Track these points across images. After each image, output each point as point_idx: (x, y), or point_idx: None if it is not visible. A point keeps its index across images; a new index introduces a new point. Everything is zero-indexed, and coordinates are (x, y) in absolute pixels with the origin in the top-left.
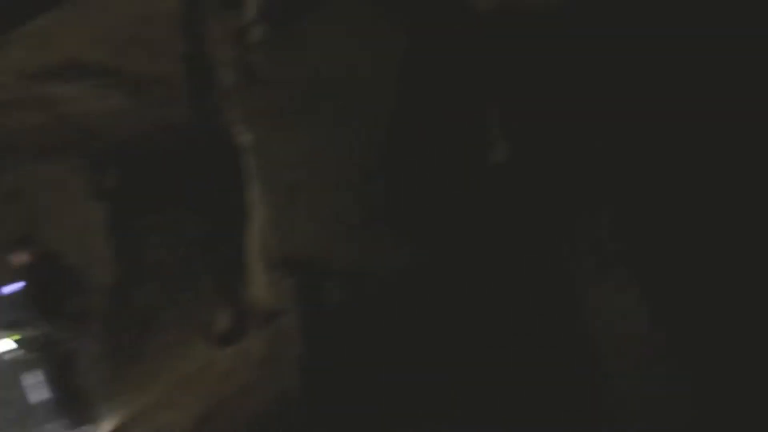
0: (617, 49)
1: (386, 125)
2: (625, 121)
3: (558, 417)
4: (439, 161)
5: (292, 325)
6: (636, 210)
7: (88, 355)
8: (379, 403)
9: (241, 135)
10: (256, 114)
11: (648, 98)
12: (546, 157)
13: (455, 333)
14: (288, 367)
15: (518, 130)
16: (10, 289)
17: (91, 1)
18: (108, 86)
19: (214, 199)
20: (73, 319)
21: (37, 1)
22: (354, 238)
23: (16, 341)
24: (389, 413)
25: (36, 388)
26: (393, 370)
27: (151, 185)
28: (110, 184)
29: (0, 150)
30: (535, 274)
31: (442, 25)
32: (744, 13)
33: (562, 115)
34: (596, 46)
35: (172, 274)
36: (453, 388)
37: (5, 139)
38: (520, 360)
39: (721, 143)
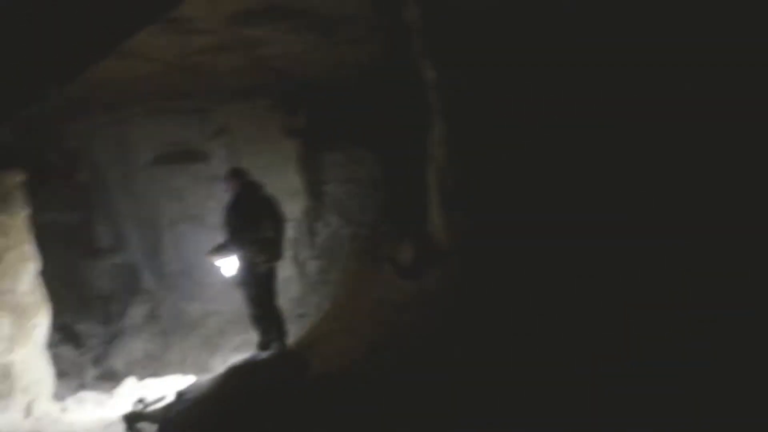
0: None
1: (568, 58)
2: None
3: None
4: (617, 102)
5: (466, 264)
6: None
7: (279, 278)
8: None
9: (427, 71)
10: (441, 50)
11: None
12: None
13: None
14: (456, 304)
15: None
16: (220, 215)
17: None
18: (301, 28)
19: (396, 136)
20: (269, 245)
21: None
22: (536, 184)
23: (225, 262)
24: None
25: (242, 302)
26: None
27: (337, 123)
28: (300, 122)
29: (210, 89)
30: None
31: None
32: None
33: None
34: None
35: (353, 209)
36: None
37: (214, 80)
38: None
39: None
